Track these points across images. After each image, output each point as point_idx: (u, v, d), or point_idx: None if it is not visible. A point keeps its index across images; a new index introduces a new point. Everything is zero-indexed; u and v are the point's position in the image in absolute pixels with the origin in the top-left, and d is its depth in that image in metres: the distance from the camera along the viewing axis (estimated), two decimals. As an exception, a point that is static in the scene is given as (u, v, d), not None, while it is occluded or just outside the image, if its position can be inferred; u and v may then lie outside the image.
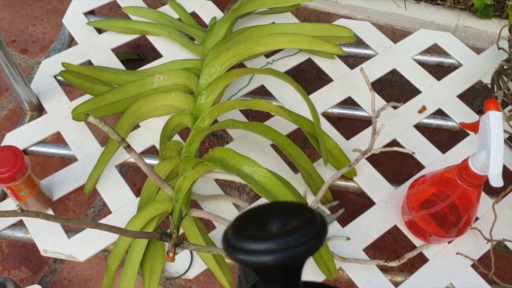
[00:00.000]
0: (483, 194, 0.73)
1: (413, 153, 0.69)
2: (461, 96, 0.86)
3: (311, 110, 0.72)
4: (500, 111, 0.58)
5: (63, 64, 0.82)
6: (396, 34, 1.25)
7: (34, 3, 1.29)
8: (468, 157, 0.61)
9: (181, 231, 0.67)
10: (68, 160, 0.95)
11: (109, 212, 0.99)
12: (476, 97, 1.12)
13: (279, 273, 0.18)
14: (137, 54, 1.16)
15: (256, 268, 0.18)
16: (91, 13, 0.97)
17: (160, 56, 0.90)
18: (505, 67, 0.80)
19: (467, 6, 1.23)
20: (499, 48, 0.83)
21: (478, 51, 0.92)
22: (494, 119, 0.57)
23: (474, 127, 0.62)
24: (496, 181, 0.56)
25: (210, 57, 0.78)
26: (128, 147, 0.59)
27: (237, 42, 0.79)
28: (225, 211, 0.72)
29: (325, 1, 1.29)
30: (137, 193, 0.73)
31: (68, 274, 0.92)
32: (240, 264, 0.19)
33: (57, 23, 1.25)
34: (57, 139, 0.81)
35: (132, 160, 0.77)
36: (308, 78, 1.16)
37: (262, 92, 0.87)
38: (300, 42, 0.75)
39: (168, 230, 0.65)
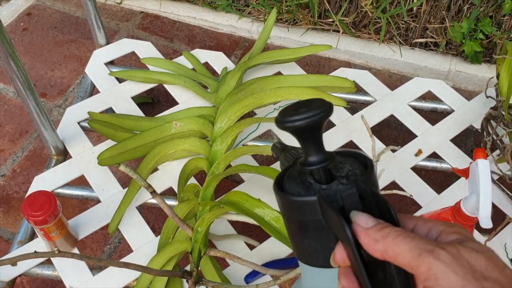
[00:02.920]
0: (476, 232, 0.79)
1: (410, 195, 0.76)
2: (454, 139, 0.93)
3: (316, 155, 0.78)
4: (487, 159, 0.65)
5: (89, 113, 0.90)
6: (392, 78, 1.33)
7: (52, 49, 1.38)
8: (461, 200, 0.67)
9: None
10: (86, 201, 1.00)
11: (124, 249, 1.04)
12: (469, 138, 1.19)
13: (307, 131, 0.33)
14: (151, 98, 1.23)
15: (293, 129, 0.33)
16: (110, 63, 1.05)
17: (174, 101, 0.98)
18: (493, 114, 0.87)
19: (458, 52, 1.32)
20: (487, 97, 0.91)
21: (469, 93, 1.00)
22: (482, 166, 0.64)
23: (465, 172, 0.69)
24: (486, 223, 0.62)
25: (223, 107, 0.86)
26: (154, 192, 0.65)
27: (247, 93, 0.87)
28: (237, 250, 0.78)
29: (325, 46, 1.37)
30: (151, 230, 0.79)
31: (86, 309, 0.96)
32: (285, 130, 0.33)
33: (74, 68, 1.33)
34: (75, 182, 0.87)
35: (151, 201, 0.83)
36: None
37: (269, 136, 0.94)
38: (306, 95, 0.83)
39: (187, 268, 0.70)
